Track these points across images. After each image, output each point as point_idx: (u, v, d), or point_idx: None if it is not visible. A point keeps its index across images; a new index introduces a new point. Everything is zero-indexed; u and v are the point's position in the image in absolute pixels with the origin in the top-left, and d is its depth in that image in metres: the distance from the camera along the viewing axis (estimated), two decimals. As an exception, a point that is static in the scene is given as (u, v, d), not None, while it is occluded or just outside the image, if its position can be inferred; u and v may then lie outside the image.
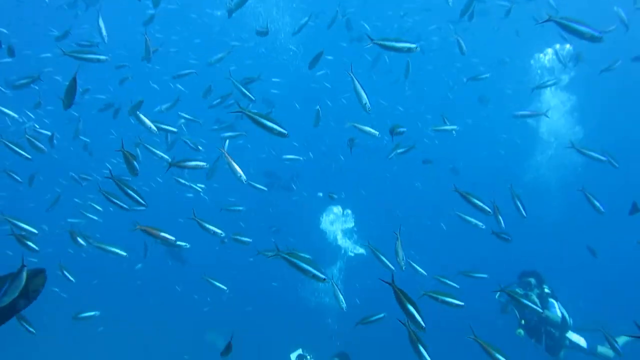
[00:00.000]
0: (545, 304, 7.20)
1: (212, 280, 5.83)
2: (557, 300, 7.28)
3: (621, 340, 7.11)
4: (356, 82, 4.38)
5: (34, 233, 4.92)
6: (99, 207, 7.05)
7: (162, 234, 4.21)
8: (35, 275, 1.80)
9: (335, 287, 4.68)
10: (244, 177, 4.39)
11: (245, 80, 5.99)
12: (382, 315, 4.55)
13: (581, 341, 7.31)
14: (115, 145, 4.44)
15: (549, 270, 7.99)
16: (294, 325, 12.33)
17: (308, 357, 5.52)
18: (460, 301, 3.81)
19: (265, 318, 13.64)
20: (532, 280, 7.28)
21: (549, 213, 16.97)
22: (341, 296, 4.57)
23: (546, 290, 7.30)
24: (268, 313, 13.90)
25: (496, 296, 7.31)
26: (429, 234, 17.28)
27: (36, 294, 1.83)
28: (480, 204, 4.77)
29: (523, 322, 7.17)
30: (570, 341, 7.25)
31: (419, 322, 3.14)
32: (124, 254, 4.76)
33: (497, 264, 9.04)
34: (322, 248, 10.95)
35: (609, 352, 7.09)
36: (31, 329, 4.15)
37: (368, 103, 4.43)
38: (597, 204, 6.28)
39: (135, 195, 4.15)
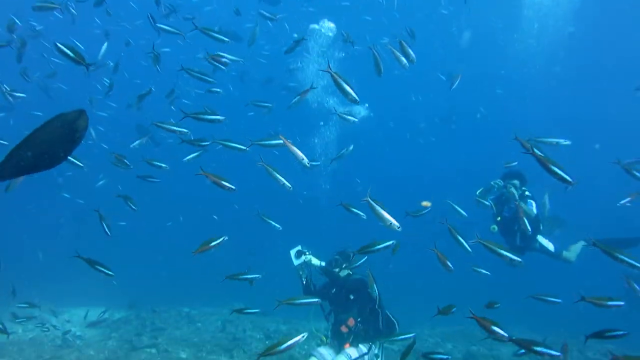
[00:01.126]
0: (524, 202, 7.51)
1: (266, 219, 6.00)
2: (537, 205, 7.63)
3: (578, 245, 7.80)
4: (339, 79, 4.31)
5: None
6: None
7: (224, 182, 4.43)
8: (79, 116, 1.80)
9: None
10: (306, 160, 4.55)
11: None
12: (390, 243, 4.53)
13: (550, 245, 7.76)
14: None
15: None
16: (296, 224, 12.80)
17: (306, 252, 5.83)
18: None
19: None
20: (516, 182, 7.56)
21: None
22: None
23: (527, 193, 7.62)
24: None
25: (477, 192, 7.62)
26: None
27: (81, 135, 1.85)
28: None
29: (499, 218, 7.56)
30: (540, 244, 7.70)
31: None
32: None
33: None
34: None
35: (571, 256, 7.66)
36: (110, 272, 4.25)
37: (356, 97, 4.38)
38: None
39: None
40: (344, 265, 5.96)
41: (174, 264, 16.73)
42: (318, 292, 6.00)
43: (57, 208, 19.25)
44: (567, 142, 5.78)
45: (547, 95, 24.69)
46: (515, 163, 6.08)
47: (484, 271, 5.11)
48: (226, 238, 4.36)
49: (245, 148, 5.13)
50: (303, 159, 4.55)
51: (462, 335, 10.80)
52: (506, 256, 4.30)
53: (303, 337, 3.82)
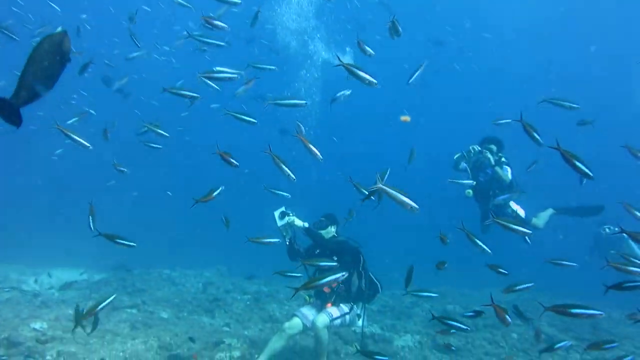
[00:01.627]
0: (500, 167, 7.66)
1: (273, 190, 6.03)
2: (511, 168, 7.78)
3: (547, 213, 8.09)
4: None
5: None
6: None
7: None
8: (64, 37, 2.14)
9: None
10: (319, 156, 4.61)
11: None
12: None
13: (521, 211, 7.96)
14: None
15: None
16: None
17: (290, 213, 5.92)
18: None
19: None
20: (493, 147, 7.69)
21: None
22: None
23: (503, 159, 7.75)
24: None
25: (455, 157, 7.78)
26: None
27: (68, 53, 2.16)
28: None
29: (474, 182, 7.65)
30: (513, 210, 7.87)
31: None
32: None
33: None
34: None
35: (540, 223, 7.96)
36: (132, 243, 4.32)
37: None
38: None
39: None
40: (329, 227, 6.03)
41: (158, 228, 16.73)
42: (302, 253, 6.07)
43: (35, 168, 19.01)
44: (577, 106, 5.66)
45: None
46: (509, 121, 6.01)
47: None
48: (223, 188, 4.42)
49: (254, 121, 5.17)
50: (317, 155, 4.63)
51: (439, 295, 11.09)
52: (520, 231, 4.35)
53: (343, 275, 3.96)
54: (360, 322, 6.10)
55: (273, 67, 6.48)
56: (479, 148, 7.68)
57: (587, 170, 3.67)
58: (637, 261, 4.16)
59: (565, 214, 8.34)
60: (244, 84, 5.63)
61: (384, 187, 3.60)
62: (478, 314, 4.85)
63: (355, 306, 5.97)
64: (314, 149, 4.56)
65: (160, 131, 5.92)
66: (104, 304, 4.00)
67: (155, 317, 8.01)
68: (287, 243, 6.03)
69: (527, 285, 4.68)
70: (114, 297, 4.22)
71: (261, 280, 12.05)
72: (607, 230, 10.48)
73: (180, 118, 14.24)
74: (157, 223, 17.40)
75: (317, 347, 5.56)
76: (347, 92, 6.10)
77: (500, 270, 4.93)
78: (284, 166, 4.52)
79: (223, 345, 6.22)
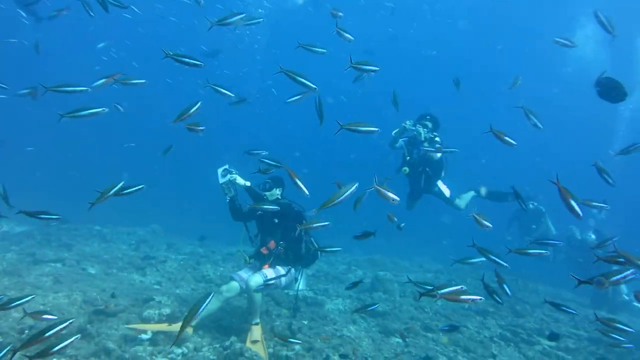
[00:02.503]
0: (432, 146, 7.85)
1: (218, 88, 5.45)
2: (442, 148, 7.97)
3: (468, 195, 8.58)
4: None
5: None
6: None
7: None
8: None
9: None
10: (306, 192, 4.49)
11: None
12: None
13: (446, 191, 8.36)
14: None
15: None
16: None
17: (233, 171, 5.90)
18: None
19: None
20: (429, 124, 7.84)
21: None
22: None
23: (437, 139, 7.93)
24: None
25: (392, 133, 7.89)
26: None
27: None
28: None
29: (408, 158, 7.92)
30: (439, 189, 8.25)
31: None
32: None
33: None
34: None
35: (462, 204, 8.42)
36: (57, 216, 4.10)
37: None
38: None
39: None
40: (274, 190, 5.99)
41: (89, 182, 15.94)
42: (245, 213, 6.01)
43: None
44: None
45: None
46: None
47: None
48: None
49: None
50: (304, 191, 4.52)
51: (370, 263, 11.47)
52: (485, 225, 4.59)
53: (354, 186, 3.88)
54: (296, 286, 6.18)
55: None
56: (411, 123, 7.80)
57: (579, 211, 3.73)
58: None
59: (485, 198, 8.79)
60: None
61: (378, 187, 4.01)
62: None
63: (293, 269, 6.03)
64: (300, 184, 4.48)
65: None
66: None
67: (81, 272, 7.71)
68: (228, 200, 5.96)
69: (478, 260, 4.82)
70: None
71: (197, 242, 11.89)
72: (531, 206, 11.29)
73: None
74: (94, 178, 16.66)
75: (249, 306, 5.59)
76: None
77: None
78: (299, 181, 4.42)
79: (153, 302, 6.11)
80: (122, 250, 9.90)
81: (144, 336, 5.10)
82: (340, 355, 5.33)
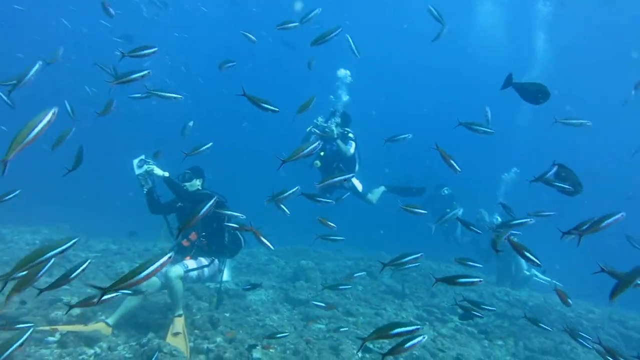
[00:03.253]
0: (345, 142, 8.11)
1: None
2: (356, 145, 8.26)
3: (380, 190, 8.94)
4: None
5: None
6: None
7: None
8: None
9: None
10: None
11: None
12: None
13: (359, 186, 8.68)
14: None
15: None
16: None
17: (149, 162, 5.67)
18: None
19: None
20: (338, 120, 8.02)
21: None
22: None
23: (350, 135, 8.18)
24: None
25: (307, 130, 7.98)
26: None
27: None
28: None
29: (322, 153, 8.07)
30: (352, 183, 8.52)
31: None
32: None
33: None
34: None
35: (374, 198, 8.75)
36: None
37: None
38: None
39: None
40: (194, 180, 5.83)
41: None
42: (164, 205, 5.80)
43: None
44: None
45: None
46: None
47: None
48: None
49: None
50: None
51: (292, 253, 11.55)
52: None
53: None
54: (220, 277, 6.10)
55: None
56: (323, 119, 7.93)
57: (457, 167, 4.08)
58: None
59: (393, 193, 9.20)
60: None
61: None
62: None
63: (216, 260, 5.93)
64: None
65: None
66: None
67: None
68: (145, 193, 5.71)
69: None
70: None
71: (109, 238, 11.29)
72: (445, 191, 12.05)
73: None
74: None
75: (171, 298, 5.42)
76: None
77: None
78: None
79: (60, 304, 5.71)
80: (24, 251, 9.13)
81: (50, 338, 4.76)
82: (250, 346, 5.27)
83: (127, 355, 4.73)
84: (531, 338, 7.56)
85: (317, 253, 11.73)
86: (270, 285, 8.42)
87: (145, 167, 5.64)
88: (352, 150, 8.13)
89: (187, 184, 5.78)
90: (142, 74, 4.09)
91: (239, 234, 6.06)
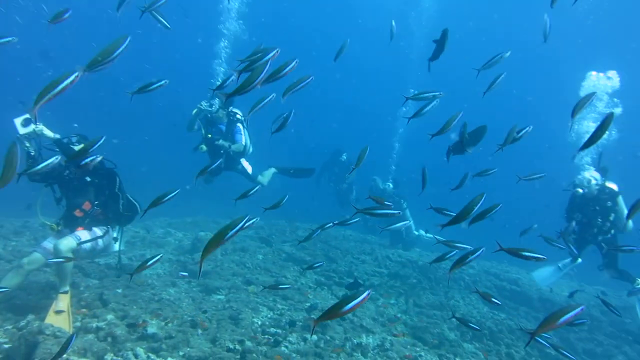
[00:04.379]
0: (231, 129, 8.02)
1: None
2: (245, 128, 8.17)
3: (270, 171, 9.18)
4: None
5: None
6: None
7: None
8: None
9: None
10: None
11: None
12: None
13: (249, 168, 8.69)
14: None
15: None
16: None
17: (37, 122, 5.01)
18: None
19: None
20: (218, 101, 7.82)
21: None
22: None
23: (239, 116, 8.05)
24: None
25: (193, 112, 7.76)
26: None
27: None
28: None
29: (210, 135, 7.88)
30: (242, 166, 8.52)
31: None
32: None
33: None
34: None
35: (264, 180, 8.87)
36: None
37: None
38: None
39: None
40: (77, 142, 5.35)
41: None
42: (46, 172, 5.22)
43: None
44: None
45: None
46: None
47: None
48: None
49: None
50: None
51: (191, 225, 11.23)
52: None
53: None
54: (116, 246, 5.81)
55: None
56: (207, 103, 7.75)
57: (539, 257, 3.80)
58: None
59: (283, 174, 9.32)
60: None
61: None
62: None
63: (110, 229, 5.60)
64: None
65: None
66: None
67: None
68: (32, 154, 5.00)
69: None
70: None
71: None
72: (344, 157, 12.68)
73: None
74: None
75: (58, 273, 5.02)
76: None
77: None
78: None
79: None
80: None
81: None
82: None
83: (1, 340, 4.30)
84: (420, 295, 8.17)
85: (216, 224, 11.52)
86: (167, 259, 8.12)
87: (33, 127, 5.00)
88: (243, 140, 8.07)
89: (76, 147, 5.29)
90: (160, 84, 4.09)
91: (133, 200, 5.79)
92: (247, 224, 2.67)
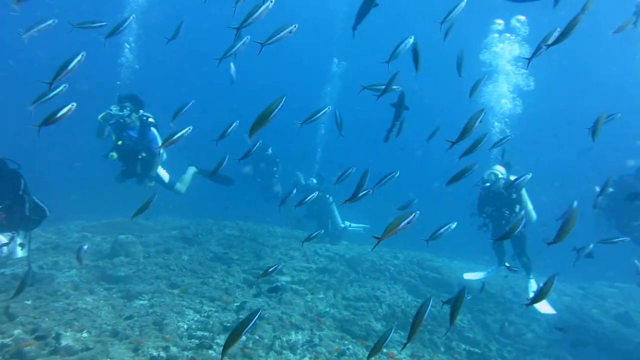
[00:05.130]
0: (145, 131, 7.69)
1: None
2: (157, 131, 7.86)
3: (188, 176, 8.95)
4: None
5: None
6: None
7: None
8: None
9: None
10: None
11: None
12: None
13: (166, 176, 8.47)
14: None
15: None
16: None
17: None
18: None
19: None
20: (128, 105, 7.49)
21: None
22: None
23: (151, 119, 7.72)
24: None
25: (99, 117, 7.39)
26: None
27: None
28: None
29: (120, 142, 7.53)
30: (158, 174, 8.22)
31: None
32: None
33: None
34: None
35: (182, 188, 8.64)
36: None
37: None
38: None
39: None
40: None
41: None
42: None
43: None
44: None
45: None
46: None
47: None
48: None
49: None
50: None
51: (110, 227, 10.67)
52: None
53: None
54: (21, 253, 5.40)
55: None
56: (117, 108, 7.41)
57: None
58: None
59: (204, 176, 9.04)
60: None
61: None
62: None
63: (16, 235, 5.19)
64: None
65: None
66: None
67: None
68: None
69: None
70: None
71: None
72: (269, 151, 12.89)
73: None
74: None
75: None
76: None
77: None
78: None
79: None
80: None
81: None
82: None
83: None
84: (348, 288, 8.32)
85: (138, 225, 11.02)
86: (83, 265, 7.63)
87: None
88: (158, 138, 7.76)
89: None
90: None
91: (39, 202, 5.42)
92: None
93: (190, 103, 4.96)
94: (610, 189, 8.52)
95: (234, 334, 2.54)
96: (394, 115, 5.24)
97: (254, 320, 2.57)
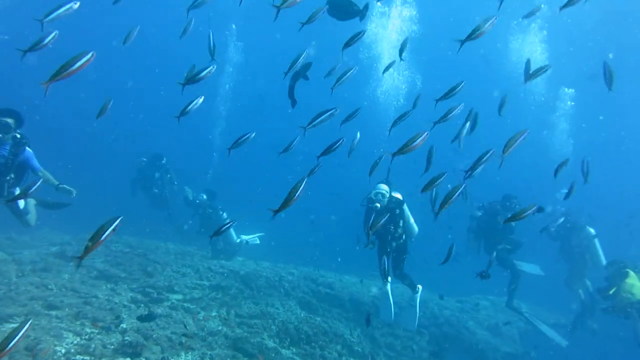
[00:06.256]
0: (21, 154, 6.82)
1: None
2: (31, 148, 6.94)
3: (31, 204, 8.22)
4: None
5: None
6: None
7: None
8: None
9: None
10: None
11: None
12: None
13: (21, 203, 7.36)
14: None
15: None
16: None
17: None
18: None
19: None
20: (10, 121, 6.59)
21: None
22: None
23: (24, 140, 6.82)
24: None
25: None
26: None
27: None
28: None
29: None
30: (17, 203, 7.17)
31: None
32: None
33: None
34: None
35: (32, 220, 7.64)
36: None
37: None
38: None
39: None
40: None
41: None
42: None
43: None
44: None
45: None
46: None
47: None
48: None
49: None
50: None
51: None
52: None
53: None
54: None
55: None
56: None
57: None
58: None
59: (42, 206, 8.00)
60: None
61: None
62: None
63: None
64: None
65: None
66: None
67: None
68: None
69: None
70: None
71: None
72: (163, 160, 12.73)
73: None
74: None
75: None
76: None
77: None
78: None
79: None
80: None
81: None
82: None
83: None
84: (242, 306, 8.30)
85: (10, 241, 10.03)
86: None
87: None
88: (35, 161, 6.96)
89: None
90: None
91: None
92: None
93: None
94: (479, 213, 9.54)
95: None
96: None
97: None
